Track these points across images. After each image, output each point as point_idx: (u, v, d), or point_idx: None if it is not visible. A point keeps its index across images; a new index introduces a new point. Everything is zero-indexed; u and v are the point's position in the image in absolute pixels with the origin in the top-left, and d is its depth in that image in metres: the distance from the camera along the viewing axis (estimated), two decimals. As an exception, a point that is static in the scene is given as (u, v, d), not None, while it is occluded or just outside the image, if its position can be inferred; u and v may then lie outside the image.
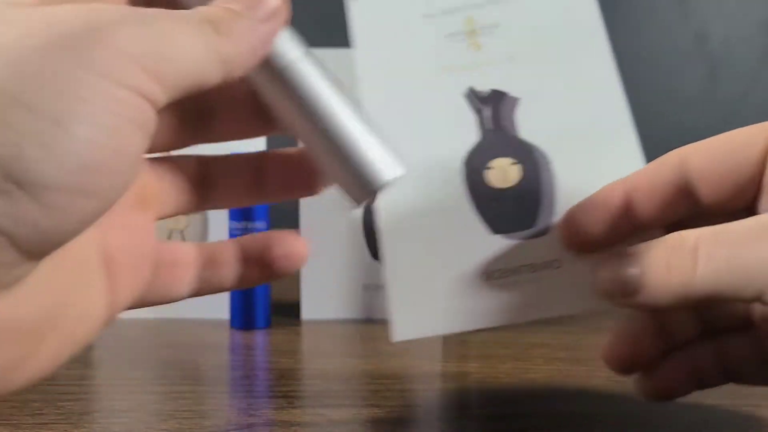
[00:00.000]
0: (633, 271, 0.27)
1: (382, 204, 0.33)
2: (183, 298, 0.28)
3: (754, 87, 0.86)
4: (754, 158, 0.28)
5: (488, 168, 0.33)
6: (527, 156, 0.33)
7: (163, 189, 0.28)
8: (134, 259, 0.25)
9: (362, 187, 0.26)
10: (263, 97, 0.26)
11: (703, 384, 0.31)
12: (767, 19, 0.85)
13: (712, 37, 0.86)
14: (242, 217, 0.46)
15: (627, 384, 0.32)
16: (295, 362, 0.41)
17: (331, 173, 0.27)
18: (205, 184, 0.28)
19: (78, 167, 0.19)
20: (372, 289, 0.50)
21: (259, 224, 0.47)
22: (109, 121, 0.20)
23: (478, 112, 0.34)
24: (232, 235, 0.47)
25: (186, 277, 0.27)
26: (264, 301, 0.48)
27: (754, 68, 0.86)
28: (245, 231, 0.47)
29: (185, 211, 0.28)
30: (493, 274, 0.32)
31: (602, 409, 0.32)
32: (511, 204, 0.33)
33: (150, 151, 0.27)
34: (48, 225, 0.19)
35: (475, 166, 0.33)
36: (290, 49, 0.26)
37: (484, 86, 0.34)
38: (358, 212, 0.50)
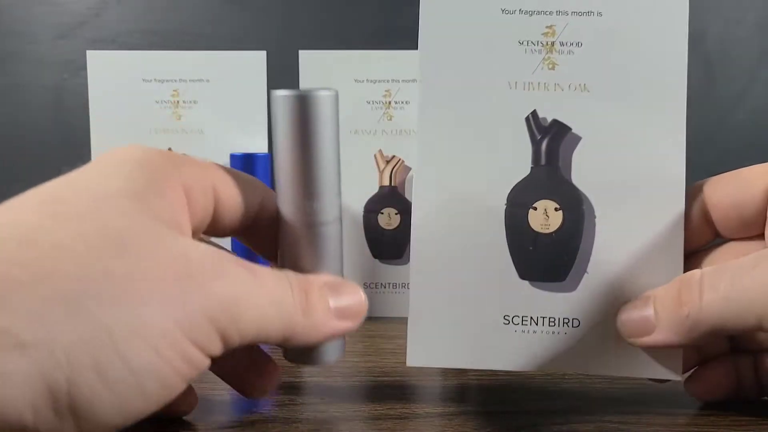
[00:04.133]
0: (648, 311, 0.30)
1: (418, 224, 0.32)
2: None
3: (750, 87, 0.86)
4: (757, 195, 0.30)
5: (531, 207, 0.32)
6: (574, 205, 0.32)
7: None
8: None
9: (306, 359, 0.29)
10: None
11: (742, 392, 0.32)
12: (764, 19, 0.85)
13: (709, 37, 0.86)
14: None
15: (624, 382, 0.32)
16: (297, 360, 0.41)
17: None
18: None
19: (130, 413, 0.21)
20: (372, 288, 0.50)
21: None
22: (169, 377, 0.21)
23: (535, 142, 0.32)
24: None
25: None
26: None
27: (751, 69, 0.86)
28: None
29: None
30: (512, 319, 0.32)
31: (600, 406, 0.32)
32: (546, 252, 0.32)
33: None
34: None
35: (518, 202, 0.32)
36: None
37: (549, 112, 0.32)
38: (359, 211, 0.50)
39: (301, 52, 0.49)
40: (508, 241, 0.32)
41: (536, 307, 0.32)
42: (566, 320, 0.32)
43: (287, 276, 0.26)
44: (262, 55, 0.50)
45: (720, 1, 0.86)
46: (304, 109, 0.27)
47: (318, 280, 0.27)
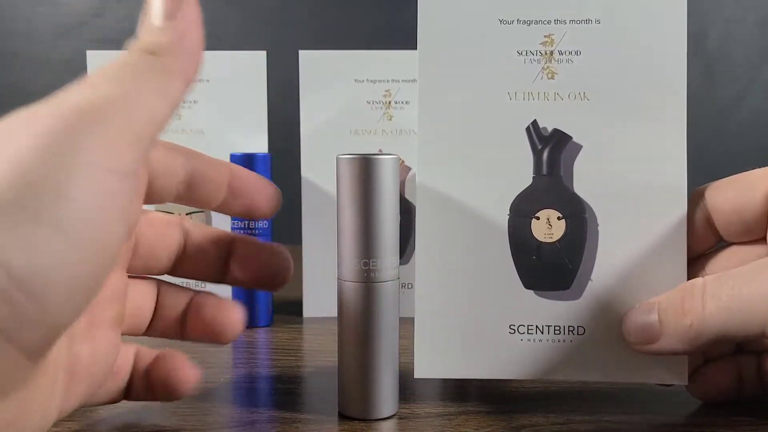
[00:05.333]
0: (653, 317, 0.30)
1: (422, 237, 0.32)
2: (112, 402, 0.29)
3: (751, 87, 0.86)
4: (758, 200, 0.30)
5: (534, 217, 0.32)
6: (577, 214, 0.32)
7: (137, 310, 0.29)
8: (95, 370, 0.26)
9: (360, 411, 0.31)
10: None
11: (744, 392, 0.32)
12: (765, 19, 0.85)
13: (710, 37, 0.86)
14: (244, 216, 0.47)
15: (624, 382, 0.32)
16: (297, 360, 0.41)
17: (347, 389, 0.31)
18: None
19: (75, 269, 0.20)
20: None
21: (261, 222, 0.47)
22: (98, 217, 0.20)
23: (536, 152, 0.32)
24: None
25: (122, 383, 0.29)
26: (266, 299, 0.48)
27: (752, 68, 0.86)
28: (247, 229, 0.47)
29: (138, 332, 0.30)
30: (518, 328, 0.32)
31: (600, 406, 0.32)
32: (550, 261, 0.32)
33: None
34: (47, 321, 0.19)
35: (521, 212, 0.32)
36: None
37: (549, 122, 0.32)
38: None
39: (301, 52, 0.49)
40: (511, 251, 0.32)
41: (542, 315, 0.32)
42: (572, 328, 0.32)
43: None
44: (262, 55, 0.50)
45: (720, 1, 0.86)
46: (367, 171, 0.29)
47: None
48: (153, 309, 0.30)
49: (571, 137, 0.32)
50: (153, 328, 0.30)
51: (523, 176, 0.32)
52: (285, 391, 0.35)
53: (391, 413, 0.31)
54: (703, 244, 0.32)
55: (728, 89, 0.87)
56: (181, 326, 0.30)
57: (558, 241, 0.32)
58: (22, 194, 0.19)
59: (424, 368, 0.32)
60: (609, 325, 0.32)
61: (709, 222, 0.32)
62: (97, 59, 0.51)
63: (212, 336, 0.30)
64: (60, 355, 0.24)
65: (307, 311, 0.50)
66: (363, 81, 0.49)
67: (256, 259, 0.30)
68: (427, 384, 0.36)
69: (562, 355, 0.32)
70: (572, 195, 0.32)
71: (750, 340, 0.32)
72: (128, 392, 0.30)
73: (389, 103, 0.49)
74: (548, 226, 0.32)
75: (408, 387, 0.35)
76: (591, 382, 0.34)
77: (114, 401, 0.29)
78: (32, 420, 0.23)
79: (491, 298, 0.32)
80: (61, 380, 0.24)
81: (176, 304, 0.30)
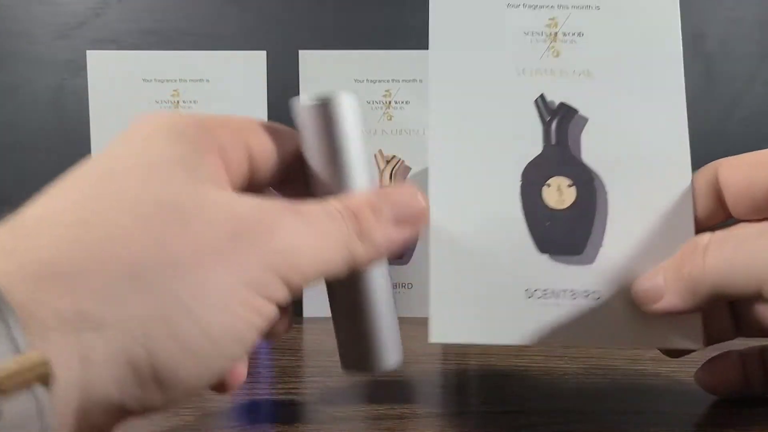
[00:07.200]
0: (659, 279, 0.30)
1: (435, 204, 0.32)
2: None
3: (750, 87, 0.86)
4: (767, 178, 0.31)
5: (545, 185, 0.33)
6: (586, 181, 0.33)
7: None
8: None
9: (362, 367, 0.30)
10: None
11: (751, 388, 0.33)
12: (764, 19, 0.85)
13: (709, 36, 0.86)
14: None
15: (623, 382, 0.32)
16: (297, 360, 0.41)
17: (345, 343, 0.31)
18: None
19: (212, 373, 0.21)
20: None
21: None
22: (243, 332, 0.22)
23: (545, 123, 0.33)
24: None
25: None
26: (265, 299, 0.48)
27: (751, 68, 0.86)
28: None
29: None
30: (534, 293, 0.32)
31: (600, 406, 0.33)
32: (562, 226, 0.32)
33: None
34: (163, 404, 0.21)
35: (532, 179, 0.33)
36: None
37: (556, 96, 0.34)
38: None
39: (301, 52, 0.49)
40: (525, 218, 0.33)
41: (557, 280, 0.32)
42: (586, 292, 0.32)
43: (334, 206, 0.26)
44: (262, 55, 0.50)
45: (720, 1, 0.86)
46: (325, 115, 0.29)
47: (363, 198, 0.27)
48: None
49: (577, 110, 0.33)
50: None
51: (534, 146, 0.33)
52: (285, 391, 0.35)
53: (395, 364, 0.30)
54: (712, 220, 0.32)
55: (728, 89, 0.87)
56: None
57: (569, 207, 0.33)
58: (185, 290, 0.21)
59: (440, 333, 0.32)
60: (622, 289, 0.32)
61: (720, 198, 0.32)
62: (97, 59, 0.51)
63: None
64: None
65: (307, 311, 0.50)
66: (363, 81, 0.49)
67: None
68: (428, 384, 0.36)
69: (578, 320, 0.32)
70: (581, 164, 0.33)
71: (748, 300, 0.32)
72: None
73: (389, 103, 0.49)
74: (559, 193, 0.33)
75: (408, 387, 0.35)
76: (591, 382, 0.34)
77: None
78: None
79: (506, 263, 0.32)
80: None
81: None
